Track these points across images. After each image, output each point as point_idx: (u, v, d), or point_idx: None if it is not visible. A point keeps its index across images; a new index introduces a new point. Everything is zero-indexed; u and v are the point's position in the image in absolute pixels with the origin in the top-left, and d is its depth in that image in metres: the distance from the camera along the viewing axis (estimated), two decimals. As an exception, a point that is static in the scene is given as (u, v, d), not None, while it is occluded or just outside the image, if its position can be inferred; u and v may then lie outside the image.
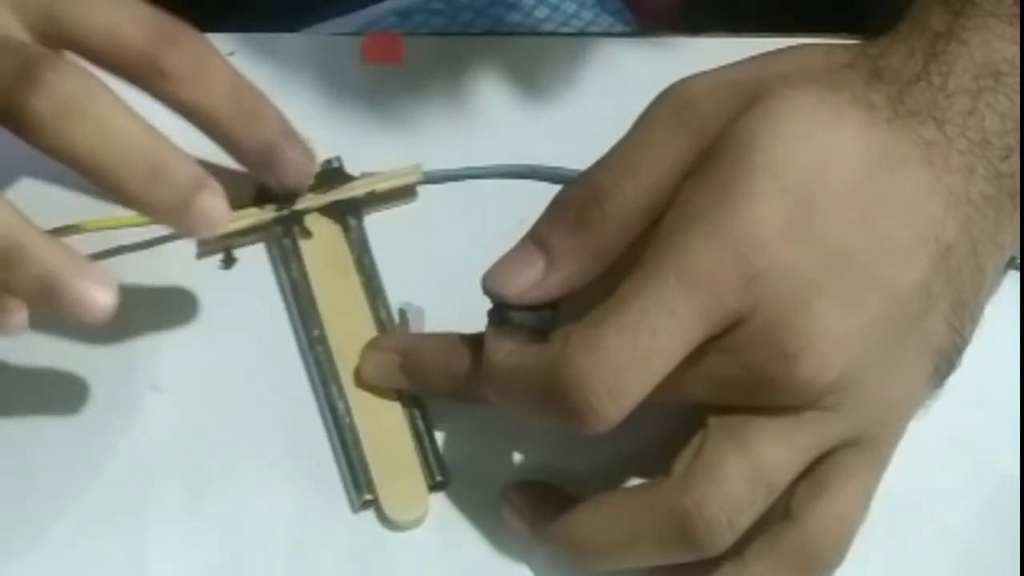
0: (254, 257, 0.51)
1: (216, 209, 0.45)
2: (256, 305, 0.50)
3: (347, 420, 0.48)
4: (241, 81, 0.47)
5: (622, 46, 0.57)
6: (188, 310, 0.50)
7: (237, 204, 0.51)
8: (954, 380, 0.44)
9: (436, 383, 0.47)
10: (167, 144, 0.44)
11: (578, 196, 0.43)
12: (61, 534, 0.46)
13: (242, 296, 0.51)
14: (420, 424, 0.48)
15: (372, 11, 0.66)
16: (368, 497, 0.46)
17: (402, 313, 0.50)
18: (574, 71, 0.56)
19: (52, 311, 0.42)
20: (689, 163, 0.42)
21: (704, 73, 0.43)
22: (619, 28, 0.68)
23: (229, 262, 0.51)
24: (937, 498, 0.47)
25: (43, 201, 0.49)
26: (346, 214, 0.51)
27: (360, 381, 0.48)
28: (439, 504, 0.47)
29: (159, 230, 0.51)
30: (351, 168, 0.52)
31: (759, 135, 0.40)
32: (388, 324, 0.50)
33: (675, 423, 0.43)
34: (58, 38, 0.45)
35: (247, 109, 0.47)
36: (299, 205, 0.51)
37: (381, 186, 0.52)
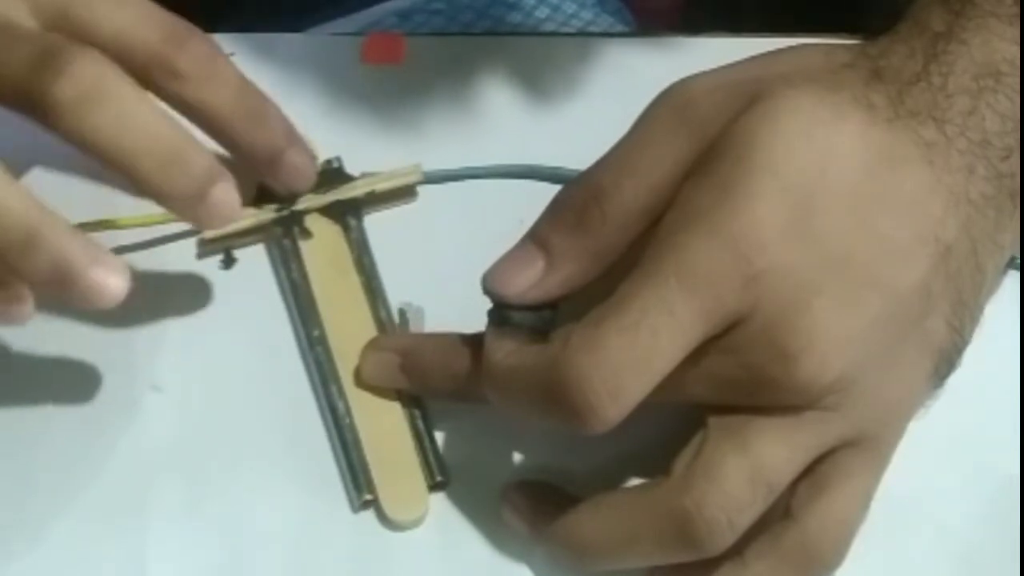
0: (254, 257, 0.52)
1: (230, 201, 0.45)
2: (256, 305, 0.50)
3: (347, 420, 0.48)
4: (247, 84, 0.48)
5: (622, 46, 0.57)
6: (188, 310, 0.50)
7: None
8: (954, 380, 0.44)
9: (436, 383, 0.47)
10: (185, 135, 0.45)
11: (578, 196, 0.43)
12: (61, 534, 0.46)
13: (242, 296, 0.51)
14: (420, 424, 0.48)
15: (373, 12, 0.66)
16: (368, 497, 0.46)
17: (402, 313, 0.50)
18: (574, 71, 0.56)
19: (65, 296, 0.43)
20: (689, 163, 0.42)
21: (704, 73, 0.43)
22: (619, 28, 0.68)
23: (229, 262, 0.51)
24: (937, 498, 0.47)
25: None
26: (346, 214, 0.51)
27: (360, 381, 0.48)
28: (439, 504, 0.47)
29: (159, 230, 0.51)
30: (351, 168, 0.52)
31: (759, 135, 0.40)
32: (388, 324, 0.50)
33: (675, 423, 0.43)
34: (69, 34, 0.45)
35: (253, 112, 0.48)
36: (299, 205, 0.51)
37: (381, 186, 0.52)
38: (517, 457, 0.48)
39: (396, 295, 0.50)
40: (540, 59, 0.56)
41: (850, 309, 0.40)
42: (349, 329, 0.49)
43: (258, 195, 0.51)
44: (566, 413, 0.40)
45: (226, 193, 0.45)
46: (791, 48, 0.44)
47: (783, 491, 0.41)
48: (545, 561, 0.45)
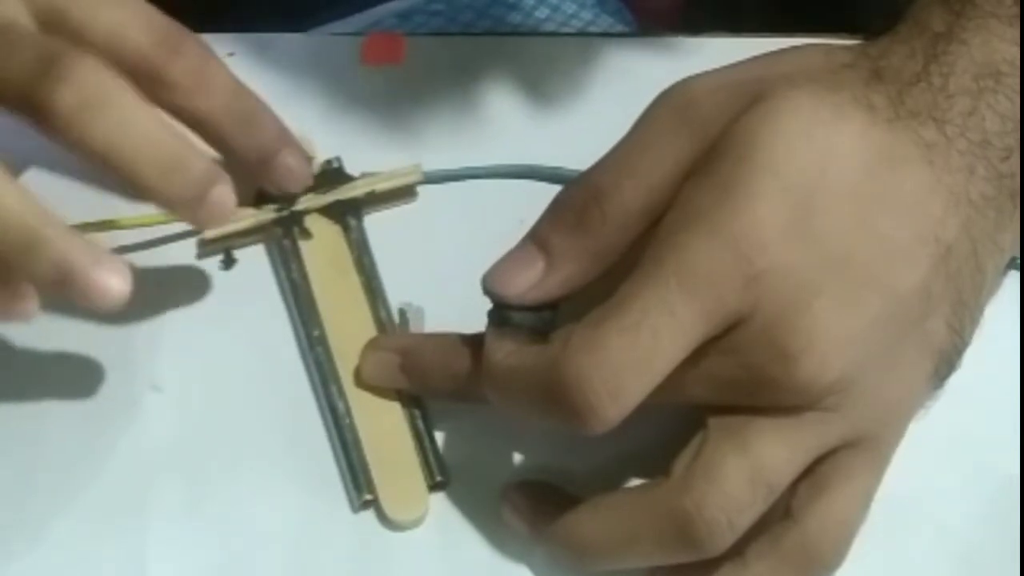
0: (254, 257, 0.52)
1: (227, 202, 0.46)
2: (256, 305, 0.50)
3: (347, 420, 0.48)
4: (240, 89, 0.48)
5: (622, 46, 0.57)
6: (188, 310, 0.50)
7: (238, 204, 0.51)
8: (954, 380, 0.44)
9: (436, 383, 0.47)
10: (184, 140, 0.45)
11: (578, 196, 0.43)
12: (61, 534, 0.46)
13: (242, 296, 0.51)
14: (420, 424, 0.48)
15: (373, 13, 0.66)
16: (368, 497, 0.46)
17: (402, 313, 0.50)
18: (574, 71, 0.56)
19: (67, 297, 0.43)
20: (690, 163, 0.42)
21: (705, 73, 0.43)
22: (619, 28, 0.68)
23: (229, 263, 0.51)
24: (937, 498, 0.47)
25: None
26: (346, 214, 0.51)
27: (360, 381, 0.48)
28: (439, 504, 0.47)
29: (159, 230, 0.51)
30: (351, 168, 0.52)
31: (760, 135, 0.40)
32: (388, 324, 0.50)
33: (675, 423, 0.43)
34: (64, 34, 0.45)
35: (245, 117, 0.48)
36: (299, 206, 0.51)
37: (381, 186, 0.52)
38: (517, 457, 0.48)
39: (396, 295, 0.50)
40: (540, 59, 0.56)
41: (850, 309, 0.40)
42: (349, 329, 0.49)
43: (258, 195, 0.51)
44: (566, 413, 0.40)
45: (224, 195, 0.45)
46: (792, 48, 0.44)
47: (783, 492, 0.41)
48: (545, 561, 0.45)
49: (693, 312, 0.40)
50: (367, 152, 0.53)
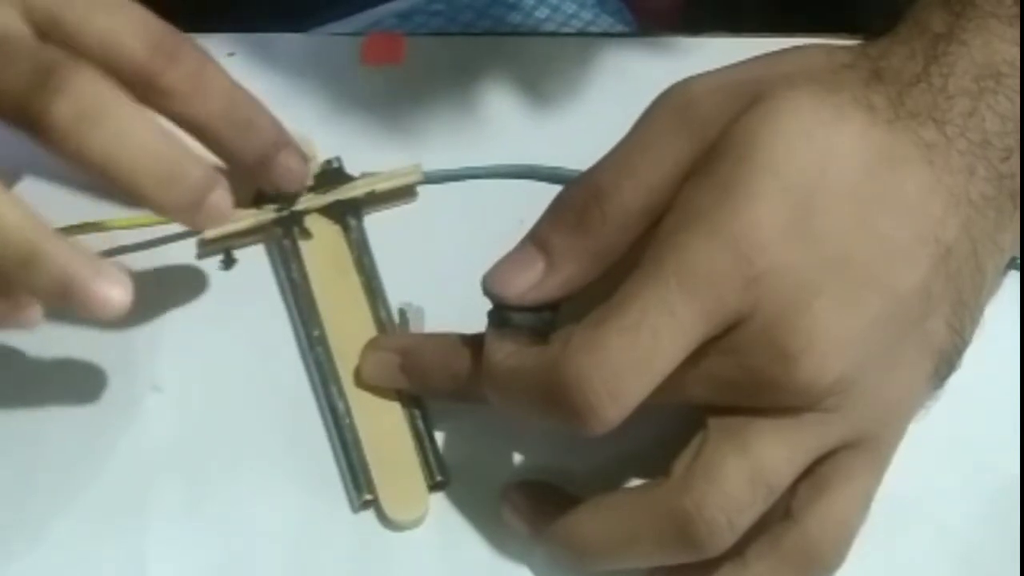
0: (254, 257, 0.52)
1: (224, 205, 0.46)
2: (256, 305, 0.51)
3: (347, 420, 0.48)
4: (237, 93, 0.48)
5: (622, 46, 0.57)
6: (188, 310, 0.50)
7: (237, 205, 0.51)
8: (954, 380, 0.44)
9: (436, 383, 0.47)
10: (181, 148, 0.45)
11: (578, 197, 0.43)
12: (61, 534, 0.46)
13: (242, 296, 0.51)
14: (420, 424, 0.48)
15: (373, 13, 0.66)
16: (368, 497, 0.46)
17: (402, 313, 0.50)
18: (574, 71, 0.56)
19: (69, 308, 0.43)
20: (689, 164, 0.42)
21: (705, 74, 0.43)
22: (619, 28, 0.69)
23: (229, 263, 0.51)
24: (937, 498, 0.47)
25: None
26: (346, 214, 0.51)
27: (360, 381, 0.48)
28: (439, 504, 0.47)
29: (159, 230, 0.51)
30: (351, 168, 0.52)
31: (760, 135, 0.40)
32: (388, 324, 0.50)
33: (675, 423, 0.43)
34: (59, 40, 0.45)
35: (242, 121, 0.48)
36: (299, 206, 0.51)
37: (381, 186, 0.52)
38: (517, 457, 0.48)
39: (396, 295, 0.50)
40: (540, 59, 0.56)
41: (850, 310, 0.40)
42: (349, 329, 0.49)
43: (258, 196, 0.51)
44: (566, 414, 0.40)
45: (220, 199, 0.46)
46: (792, 48, 0.44)
47: (783, 492, 0.41)
48: (545, 561, 0.45)
49: (693, 312, 0.40)
50: (367, 152, 0.53)
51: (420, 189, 0.53)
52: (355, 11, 0.65)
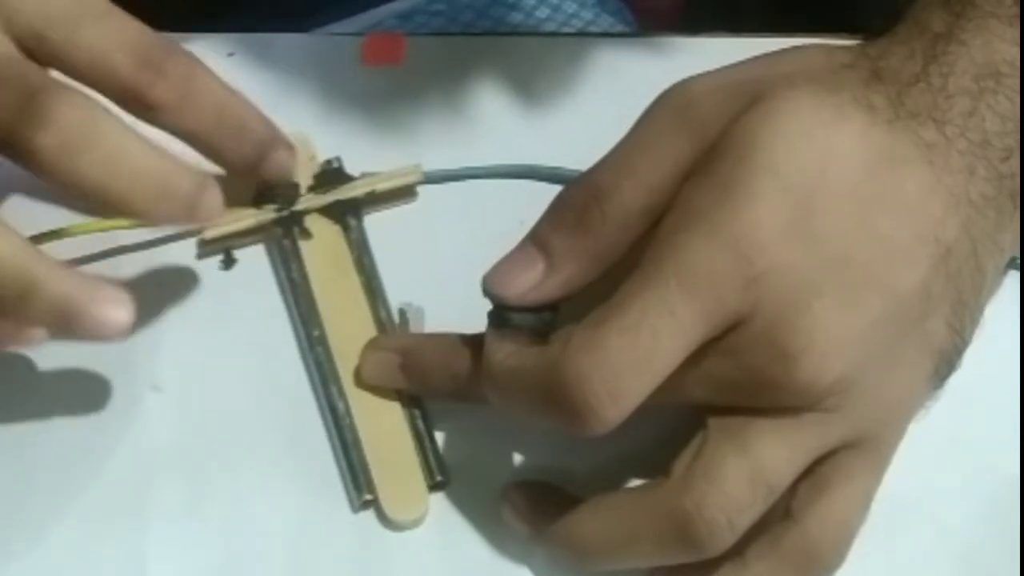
0: (254, 257, 0.52)
1: (216, 204, 0.46)
2: (256, 305, 0.50)
3: (347, 420, 0.48)
4: (226, 98, 0.47)
5: (622, 46, 0.57)
6: (188, 310, 0.50)
7: (234, 203, 0.51)
8: (954, 380, 0.44)
9: (436, 383, 0.47)
10: (171, 162, 0.45)
11: (578, 197, 0.43)
12: (61, 534, 0.46)
13: (242, 296, 0.51)
14: (420, 424, 0.48)
15: (373, 13, 0.66)
16: (368, 497, 0.46)
17: (402, 313, 0.50)
18: (574, 71, 0.56)
19: (70, 335, 0.43)
20: (689, 164, 0.42)
21: (705, 74, 0.43)
22: (619, 28, 0.69)
23: (229, 263, 0.51)
24: (937, 498, 0.47)
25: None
26: (346, 214, 0.51)
27: (360, 381, 0.48)
28: (439, 504, 0.47)
29: (160, 231, 0.51)
30: (351, 168, 0.52)
31: (760, 135, 0.40)
32: (388, 324, 0.50)
33: (675, 423, 0.43)
34: (45, 58, 0.45)
35: (233, 127, 0.48)
36: (299, 205, 0.51)
37: (381, 186, 0.52)
38: (517, 457, 0.48)
39: (396, 295, 0.50)
40: (540, 59, 0.56)
41: (850, 310, 0.40)
42: (349, 329, 0.49)
43: (258, 196, 0.51)
44: (566, 414, 0.40)
45: (212, 201, 0.45)
46: (792, 48, 0.44)
47: (783, 492, 0.41)
48: (545, 561, 0.45)
49: (693, 312, 0.40)
50: (367, 152, 0.53)
51: (420, 189, 0.53)
52: (355, 12, 0.65)
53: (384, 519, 0.46)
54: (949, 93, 0.42)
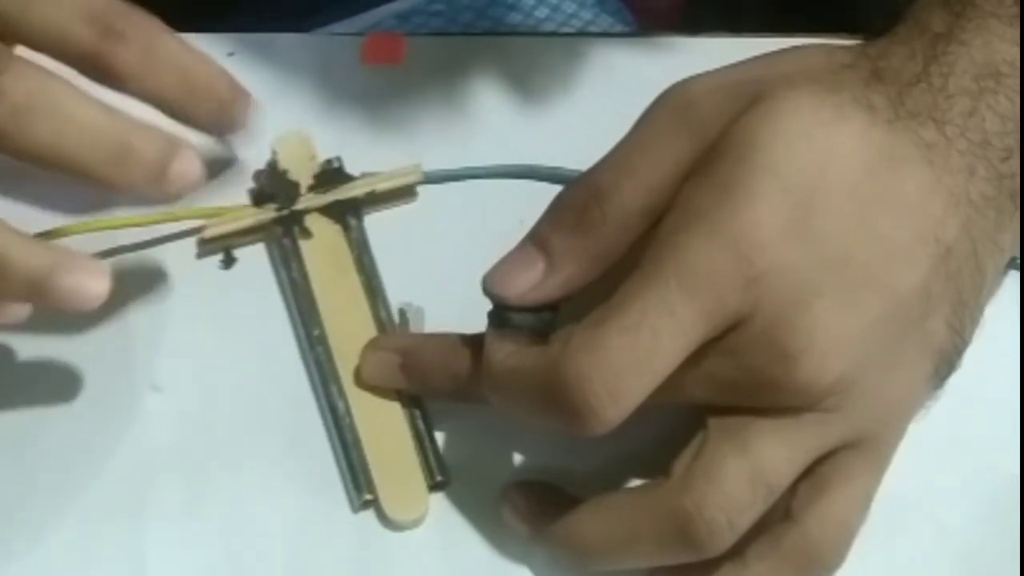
0: (254, 257, 0.51)
1: (191, 170, 0.45)
2: (256, 305, 0.50)
3: (347, 420, 0.48)
4: (190, 62, 0.47)
5: (622, 46, 0.57)
6: (188, 310, 0.50)
7: (237, 204, 0.51)
8: (954, 380, 0.44)
9: (436, 383, 0.47)
10: (129, 124, 0.45)
11: (578, 197, 0.43)
12: (61, 534, 0.46)
13: (242, 296, 0.51)
14: (420, 424, 0.48)
15: (372, 14, 0.66)
16: (368, 497, 0.46)
17: (402, 313, 0.50)
18: (574, 71, 0.56)
19: (47, 305, 0.43)
20: (689, 164, 0.42)
21: (705, 74, 0.43)
22: (619, 28, 0.69)
23: (229, 262, 0.51)
24: (937, 498, 0.47)
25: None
26: (346, 214, 0.51)
27: (360, 381, 0.48)
28: (439, 504, 0.47)
29: (160, 230, 0.51)
30: (351, 168, 0.52)
31: (760, 135, 0.40)
32: (388, 324, 0.50)
33: (675, 423, 0.43)
34: (6, 34, 0.45)
35: (198, 90, 0.47)
36: (299, 205, 0.51)
37: (381, 186, 0.52)
38: (517, 457, 0.48)
39: (396, 295, 0.50)
40: (540, 59, 0.56)
41: (850, 310, 0.40)
42: (349, 329, 0.49)
43: (258, 195, 0.51)
44: (566, 414, 0.40)
45: (184, 165, 0.45)
46: (792, 48, 0.44)
47: (783, 492, 0.41)
48: (545, 561, 0.45)
49: (693, 312, 0.40)
50: (367, 152, 0.53)
51: (420, 189, 0.53)
52: (355, 12, 0.65)
53: (384, 519, 0.46)
54: (949, 93, 0.42)
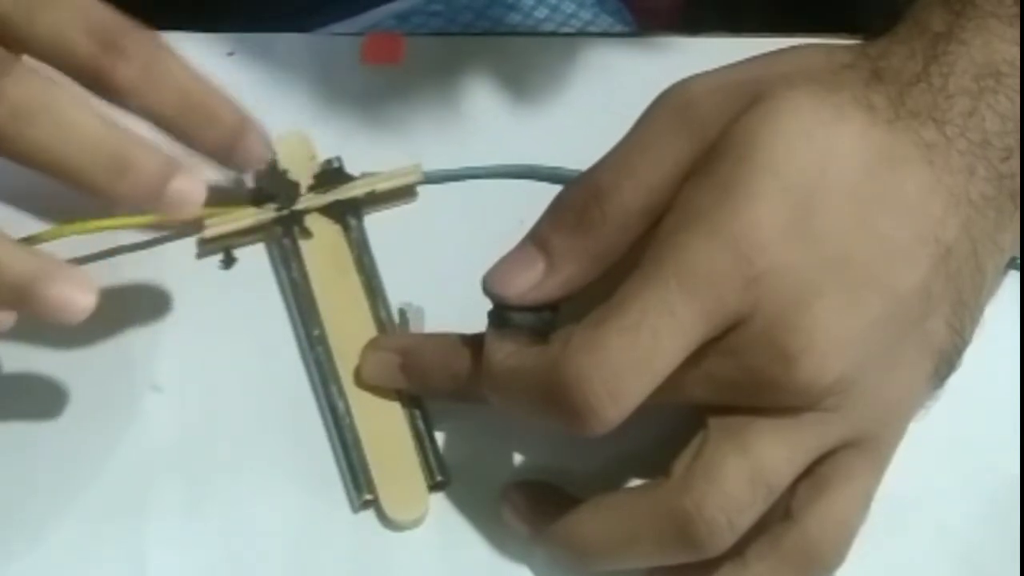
0: (254, 257, 0.51)
1: (190, 190, 0.45)
2: (256, 305, 0.50)
3: (347, 420, 0.48)
4: (192, 83, 0.46)
5: (621, 46, 0.57)
6: (188, 310, 0.50)
7: (237, 204, 0.51)
8: (954, 380, 0.44)
9: (436, 383, 0.47)
10: (130, 137, 0.44)
11: (578, 197, 0.43)
12: (61, 534, 0.46)
13: (242, 296, 0.51)
14: (420, 424, 0.48)
15: (372, 14, 0.66)
16: (368, 497, 0.46)
17: (402, 313, 0.50)
18: (574, 71, 0.56)
19: (31, 314, 0.42)
20: (689, 164, 0.42)
21: (704, 73, 0.43)
22: (618, 28, 0.69)
23: (229, 262, 0.51)
24: (937, 498, 0.47)
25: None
26: (346, 214, 0.51)
27: (360, 381, 0.48)
28: (439, 504, 0.47)
29: (159, 230, 0.51)
30: (351, 168, 0.52)
31: (760, 135, 0.40)
32: (388, 324, 0.50)
33: (675, 423, 0.43)
34: (11, 42, 0.45)
35: (199, 111, 0.46)
36: (299, 205, 0.51)
37: (381, 186, 0.52)
38: (517, 457, 0.48)
39: (396, 295, 0.50)
40: (539, 59, 0.56)
41: (850, 310, 0.40)
42: (349, 329, 0.49)
43: (258, 195, 0.51)
44: (566, 414, 0.40)
45: (183, 186, 0.45)
46: (792, 48, 0.44)
47: (783, 492, 0.42)
48: (545, 561, 0.45)
49: (693, 312, 0.40)
50: (367, 152, 0.53)
51: (420, 189, 0.53)
52: (355, 12, 0.65)
53: (384, 519, 0.46)
54: (949, 93, 0.42)
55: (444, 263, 0.51)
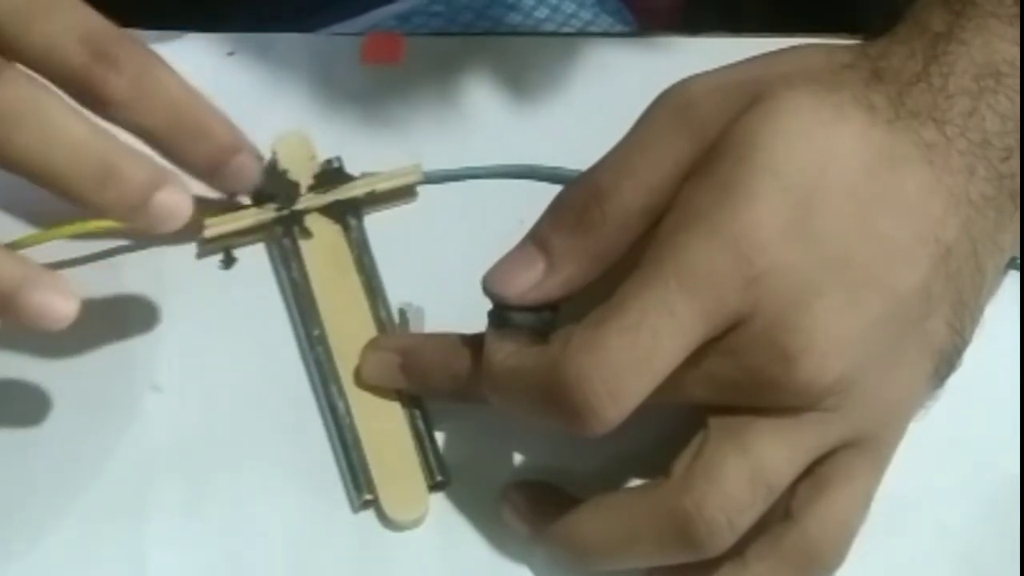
0: (254, 257, 0.51)
1: (177, 203, 0.44)
2: (256, 305, 0.50)
3: (347, 420, 0.48)
4: (183, 98, 0.46)
5: (621, 46, 0.57)
6: (188, 310, 0.50)
7: (236, 204, 0.51)
8: (954, 380, 0.44)
9: (436, 383, 0.47)
10: (118, 146, 0.44)
11: (578, 197, 0.43)
12: (61, 534, 0.46)
13: (242, 296, 0.51)
14: (420, 424, 0.48)
15: (373, 15, 0.66)
16: (368, 497, 0.46)
17: (402, 313, 0.50)
18: (574, 71, 0.56)
19: (11, 321, 0.42)
20: (689, 164, 0.42)
21: (704, 73, 0.43)
22: (619, 28, 0.69)
23: (229, 262, 0.51)
24: (937, 498, 0.47)
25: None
26: (346, 214, 0.51)
27: (360, 381, 0.48)
28: (439, 504, 0.47)
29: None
30: (351, 168, 0.52)
31: (760, 135, 0.40)
32: (388, 324, 0.50)
33: (675, 423, 0.43)
34: (7, 51, 0.45)
35: (189, 127, 0.46)
36: (299, 205, 0.51)
37: (381, 186, 0.52)
38: (517, 457, 0.48)
39: (396, 295, 0.50)
40: (539, 59, 0.56)
41: (850, 310, 0.40)
42: (349, 329, 0.49)
43: (257, 195, 0.51)
44: (566, 414, 0.40)
45: (169, 198, 0.44)
46: (791, 48, 0.44)
47: (783, 492, 0.42)
48: (545, 561, 0.45)
49: (693, 312, 0.40)
50: (367, 152, 0.53)
51: (420, 189, 0.53)
52: (355, 13, 0.65)
53: (384, 519, 0.46)
54: (949, 93, 0.42)
55: (444, 263, 0.51)
